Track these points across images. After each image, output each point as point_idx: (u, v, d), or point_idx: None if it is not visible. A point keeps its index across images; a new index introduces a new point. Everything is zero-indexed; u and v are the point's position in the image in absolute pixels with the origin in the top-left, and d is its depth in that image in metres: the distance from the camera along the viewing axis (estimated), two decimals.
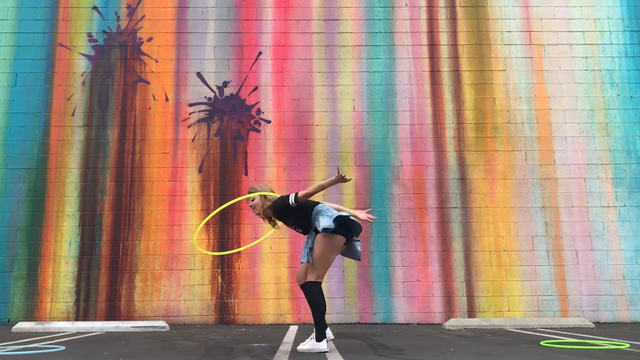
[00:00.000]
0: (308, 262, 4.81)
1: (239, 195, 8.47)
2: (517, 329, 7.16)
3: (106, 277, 8.23)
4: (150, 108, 8.77)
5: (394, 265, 8.33)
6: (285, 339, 5.80)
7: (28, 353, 4.68)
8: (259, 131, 8.72)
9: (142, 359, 4.41)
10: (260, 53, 8.99)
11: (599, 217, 8.52)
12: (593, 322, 7.80)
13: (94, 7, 9.07)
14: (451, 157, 8.69)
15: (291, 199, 4.70)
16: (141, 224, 8.40)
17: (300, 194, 4.68)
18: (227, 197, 8.47)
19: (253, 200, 4.93)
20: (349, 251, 4.97)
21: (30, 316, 8.07)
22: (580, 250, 8.40)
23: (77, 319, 8.06)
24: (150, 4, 9.08)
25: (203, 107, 8.79)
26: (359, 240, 5.02)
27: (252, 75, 8.91)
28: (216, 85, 8.86)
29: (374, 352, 4.74)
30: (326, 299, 8.12)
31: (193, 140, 8.68)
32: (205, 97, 8.82)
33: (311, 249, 4.81)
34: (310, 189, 4.70)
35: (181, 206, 8.46)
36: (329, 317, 8.10)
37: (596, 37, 9.12)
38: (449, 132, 8.77)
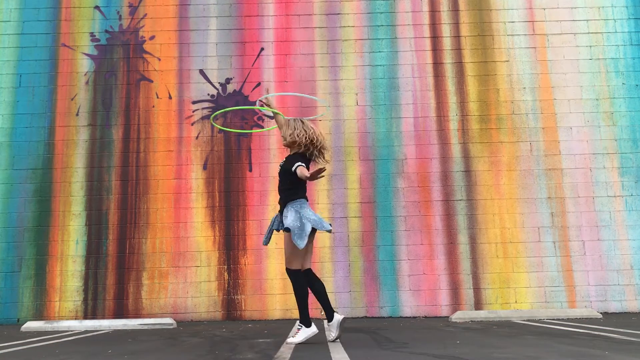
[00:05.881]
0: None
1: (243, 192, 8.50)
2: (524, 320, 7.15)
3: (113, 276, 8.28)
4: (153, 106, 8.80)
5: (399, 259, 8.32)
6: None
7: (36, 346, 4.72)
8: (262, 127, 8.72)
9: (148, 355, 4.44)
10: (262, 49, 8.99)
11: (605, 207, 8.46)
12: (601, 313, 7.77)
13: (96, 7, 9.09)
14: (455, 150, 8.66)
15: (294, 167, 4.84)
16: (147, 222, 8.44)
17: (300, 172, 4.79)
18: (232, 194, 8.50)
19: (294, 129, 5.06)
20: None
21: (39, 315, 8.14)
22: (587, 241, 8.36)
23: (85, 317, 8.12)
24: (151, 2, 9.09)
25: (206, 104, 8.81)
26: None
27: (255, 71, 8.91)
28: (219, 82, 8.87)
29: (379, 346, 4.74)
30: (332, 294, 8.22)
31: (197, 137, 8.70)
32: (209, 94, 8.83)
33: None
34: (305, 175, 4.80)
35: (186, 203, 8.49)
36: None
37: (600, 26, 9.04)
38: (453, 125, 8.74)
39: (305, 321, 4.94)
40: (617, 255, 8.31)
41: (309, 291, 4.97)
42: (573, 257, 8.31)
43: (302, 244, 4.73)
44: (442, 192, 8.55)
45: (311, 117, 5.72)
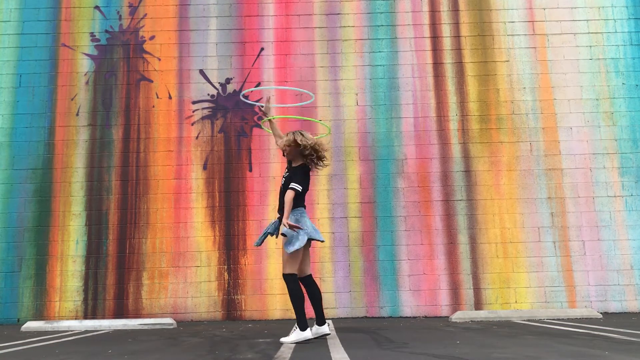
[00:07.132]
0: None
1: (243, 192, 8.50)
2: (524, 320, 7.15)
3: (113, 276, 8.28)
4: (153, 106, 8.80)
5: (399, 259, 8.32)
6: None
7: (36, 346, 4.72)
8: (262, 127, 8.72)
9: (148, 355, 4.44)
10: (262, 49, 8.99)
11: (605, 207, 8.46)
12: (601, 313, 7.77)
13: (96, 7, 9.09)
14: (455, 150, 8.66)
15: (291, 186, 5.11)
16: (147, 222, 8.44)
17: (289, 196, 5.07)
18: (232, 194, 8.50)
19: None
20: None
21: (39, 315, 8.14)
22: (587, 241, 8.36)
23: (85, 317, 8.12)
24: (151, 2, 9.09)
25: (206, 105, 8.81)
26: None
27: (255, 71, 8.91)
28: (219, 82, 8.87)
29: (378, 346, 4.74)
30: (332, 294, 8.21)
31: (197, 137, 8.70)
32: (209, 94, 8.83)
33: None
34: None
35: (186, 203, 8.49)
36: (336, 312, 8.15)
37: (600, 26, 9.04)
38: (453, 125, 8.74)
39: (301, 324, 5.01)
40: (617, 255, 8.31)
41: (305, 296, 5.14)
42: (573, 257, 8.31)
43: (290, 249, 4.93)
44: (442, 192, 8.54)
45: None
